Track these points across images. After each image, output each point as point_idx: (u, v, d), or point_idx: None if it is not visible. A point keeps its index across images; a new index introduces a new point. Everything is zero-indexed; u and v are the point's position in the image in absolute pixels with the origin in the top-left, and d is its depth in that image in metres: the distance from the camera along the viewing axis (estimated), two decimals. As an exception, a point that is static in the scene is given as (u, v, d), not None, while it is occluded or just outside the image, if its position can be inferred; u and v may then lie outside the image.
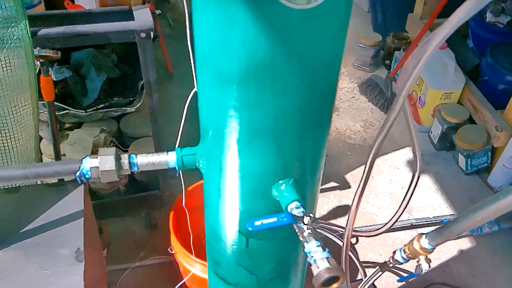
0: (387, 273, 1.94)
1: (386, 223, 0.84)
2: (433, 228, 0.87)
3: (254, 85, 0.58)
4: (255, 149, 0.66)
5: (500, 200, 0.63)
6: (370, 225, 2.17)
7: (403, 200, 0.79)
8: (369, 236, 2.04)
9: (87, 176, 0.74)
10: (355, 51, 3.31)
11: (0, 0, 1.12)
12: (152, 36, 1.47)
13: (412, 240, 0.88)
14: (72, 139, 1.90)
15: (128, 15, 1.52)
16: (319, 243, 0.58)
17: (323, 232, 1.78)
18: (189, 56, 0.68)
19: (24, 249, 0.98)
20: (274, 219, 0.61)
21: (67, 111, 1.84)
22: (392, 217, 0.83)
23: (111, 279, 1.83)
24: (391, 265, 0.99)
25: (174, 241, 1.58)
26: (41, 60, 1.40)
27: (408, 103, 2.87)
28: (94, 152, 1.73)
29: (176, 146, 0.77)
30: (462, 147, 2.44)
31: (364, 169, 0.67)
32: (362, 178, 0.68)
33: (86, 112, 1.86)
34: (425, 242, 0.85)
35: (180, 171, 0.77)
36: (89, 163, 0.73)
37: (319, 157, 0.74)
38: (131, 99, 1.91)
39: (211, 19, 0.55)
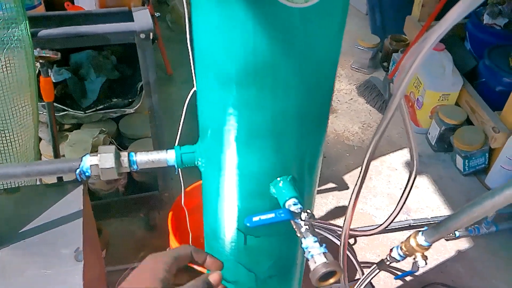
0: (385, 274, 1.95)
1: (383, 223, 0.85)
2: (431, 227, 0.88)
3: (253, 84, 0.58)
4: (254, 148, 0.66)
5: (496, 196, 0.64)
6: (368, 226, 2.17)
7: (400, 200, 0.80)
8: (366, 235, 2.04)
9: (87, 173, 0.74)
10: (354, 53, 3.33)
11: (1, 1, 1.13)
12: (151, 37, 1.48)
13: (409, 237, 0.89)
14: (72, 140, 1.90)
15: (127, 16, 1.53)
16: (316, 239, 0.59)
17: (321, 232, 1.78)
18: (189, 57, 0.68)
19: (23, 249, 0.98)
20: (272, 215, 0.62)
21: (67, 112, 1.84)
22: (389, 217, 0.83)
23: (111, 279, 1.83)
24: (388, 263, 0.99)
25: (173, 241, 1.59)
26: (41, 61, 1.41)
27: (406, 104, 2.88)
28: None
29: (176, 144, 0.77)
30: (460, 148, 2.46)
31: (362, 166, 0.68)
32: (360, 174, 0.69)
33: (85, 113, 1.87)
34: (421, 239, 0.85)
35: (180, 169, 0.78)
36: (89, 161, 0.74)
37: (317, 156, 0.74)
38: (130, 100, 1.92)
39: (211, 19, 0.56)
